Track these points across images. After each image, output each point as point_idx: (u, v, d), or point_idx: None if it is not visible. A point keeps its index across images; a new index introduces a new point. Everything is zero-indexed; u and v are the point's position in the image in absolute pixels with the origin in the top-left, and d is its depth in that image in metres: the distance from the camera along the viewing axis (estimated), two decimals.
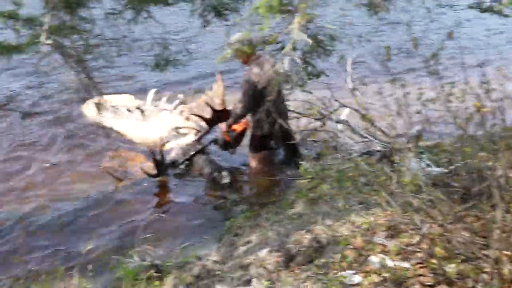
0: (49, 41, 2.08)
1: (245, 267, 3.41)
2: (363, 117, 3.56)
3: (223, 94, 5.42)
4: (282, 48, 2.87)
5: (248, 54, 4.88)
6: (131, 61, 6.91)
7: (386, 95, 3.33)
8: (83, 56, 2.16)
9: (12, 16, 2.45)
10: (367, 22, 8.04)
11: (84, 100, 6.55)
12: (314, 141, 5.62)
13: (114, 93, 6.65)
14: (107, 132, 6.22)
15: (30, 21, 2.84)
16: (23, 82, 8.14)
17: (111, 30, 2.84)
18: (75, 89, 2.32)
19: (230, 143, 5.48)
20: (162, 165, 5.14)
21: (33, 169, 5.60)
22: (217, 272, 3.58)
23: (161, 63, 2.97)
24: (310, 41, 2.22)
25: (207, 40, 9.33)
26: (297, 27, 1.98)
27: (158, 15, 3.17)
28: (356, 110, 4.68)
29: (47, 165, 5.69)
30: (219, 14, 3.07)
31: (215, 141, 5.60)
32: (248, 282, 3.14)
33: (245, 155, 5.59)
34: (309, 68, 3.32)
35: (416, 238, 2.89)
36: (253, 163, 5.41)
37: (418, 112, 3.24)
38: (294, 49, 2.84)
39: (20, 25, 2.73)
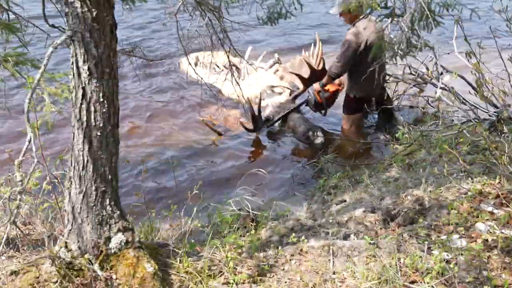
0: None
1: (342, 224, 3.48)
2: (476, 82, 3.42)
3: (321, 54, 5.40)
4: (391, 13, 2.81)
5: (354, 13, 4.80)
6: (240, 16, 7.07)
7: (506, 59, 3.17)
8: (219, 4, 2.25)
9: None
10: None
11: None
12: (411, 106, 5.49)
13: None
14: (204, 87, 6.44)
15: None
16: (148, 32, 8.74)
17: None
18: (209, 39, 2.41)
19: (321, 104, 5.48)
20: (259, 121, 5.28)
21: (140, 118, 5.99)
22: (310, 227, 3.69)
23: (273, 16, 2.99)
24: None
25: None
26: None
27: None
28: (461, 77, 4.50)
29: (151, 114, 6.06)
30: None
31: (306, 102, 5.63)
32: (346, 237, 3.21)
33: (337, 117, 5.59)
34: (414, 39, 3.17)
35: None
36: (346, 125, 5.40)
37: None
38: (401, 15, 2.77)
39: None
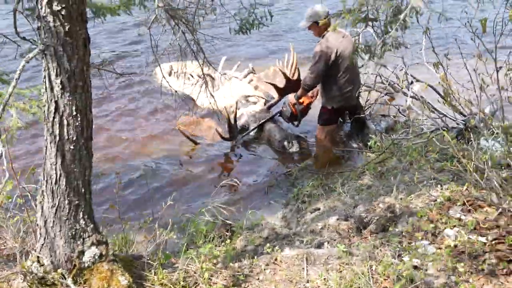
0: (161, 4, 2.21)
1: (316, 232, 3.53)
2: (444, 92, 3.52)
3: (296, 64, 5.48)
4: (364, 18, 2.88)
5: (322, 26, 4.89)
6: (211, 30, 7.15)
7: (471, 70, 3.28)
8: (193, 18, 2.27)
9: None
10: None
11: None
12: (382, 115, 5.61)
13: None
14: (179, 97, 6.46)
15: None
16: (121, 46, 8.73)
17: None
18: (178, 52, 2.43)
19: (296, 116, 5.56)
20: (234, 130, 5.33)
21: (116, 131, 5.97)
22: (285, 235, 3.72)
23: (246, 27, 3.04)
24: (424, 8, 2.19)
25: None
26: None
27: None
28: (431, 86, 4.63)
29: (127, 128, 6.03)
30: None
31: (280, 113, 5.70)
32: (320, 245, 3.25)
33: (311, 126, 5.67)
34: (389, 39, 3.26)
35: (494, 214, 2.90)
36: (321, 135, 5.47)
37: (503, 89, 3.19)
38: (376, 20, 2.85)
39: None
